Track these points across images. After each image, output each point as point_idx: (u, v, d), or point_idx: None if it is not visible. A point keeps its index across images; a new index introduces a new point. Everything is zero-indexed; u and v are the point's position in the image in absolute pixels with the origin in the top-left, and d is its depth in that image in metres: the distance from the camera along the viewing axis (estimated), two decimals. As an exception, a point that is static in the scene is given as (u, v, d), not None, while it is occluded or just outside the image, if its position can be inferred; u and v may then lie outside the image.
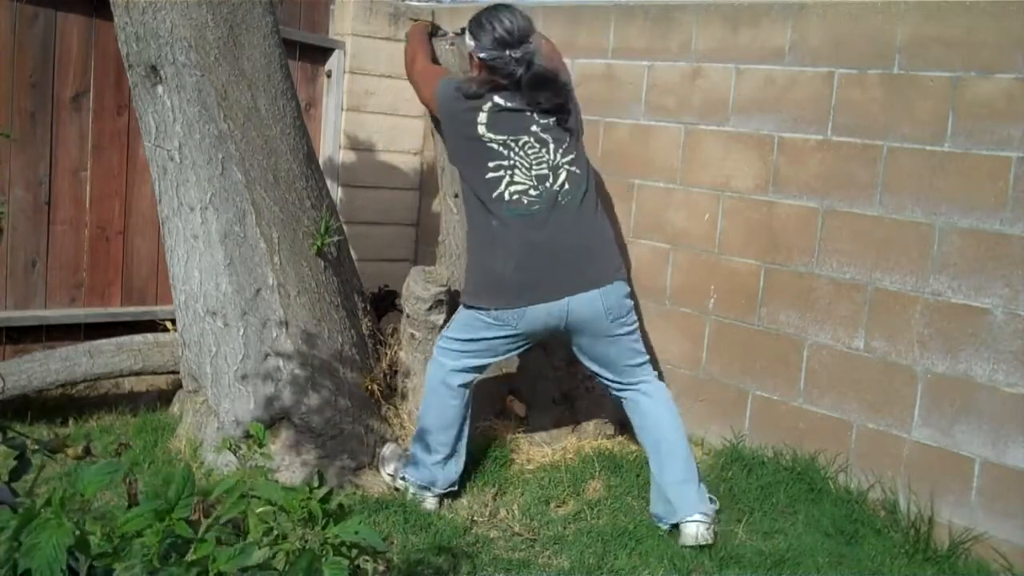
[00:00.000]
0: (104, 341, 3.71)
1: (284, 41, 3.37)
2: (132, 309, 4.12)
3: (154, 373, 3.83)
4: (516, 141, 3.07)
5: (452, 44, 3.46)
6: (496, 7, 3.19)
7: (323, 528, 1.41)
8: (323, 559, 1.30)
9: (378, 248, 4.90)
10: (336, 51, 4.67)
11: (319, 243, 3.34)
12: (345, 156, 4.78)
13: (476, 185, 3.11)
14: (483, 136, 3.07)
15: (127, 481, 1.53)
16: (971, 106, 3.17)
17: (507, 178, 3.05)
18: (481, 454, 3.50)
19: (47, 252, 3.91)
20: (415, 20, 3.73)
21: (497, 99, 3.09)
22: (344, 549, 1.43)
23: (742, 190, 3.78)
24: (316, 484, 1.48)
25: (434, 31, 3.57)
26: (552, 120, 3.12)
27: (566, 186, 3.07)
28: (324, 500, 1.43)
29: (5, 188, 3.75)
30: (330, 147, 4.71)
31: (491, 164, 3.06)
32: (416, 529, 3.01)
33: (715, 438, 3.87)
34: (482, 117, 3.08)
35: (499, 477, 3.42)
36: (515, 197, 3.04)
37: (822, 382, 3.57)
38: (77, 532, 1.22)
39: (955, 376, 3.21)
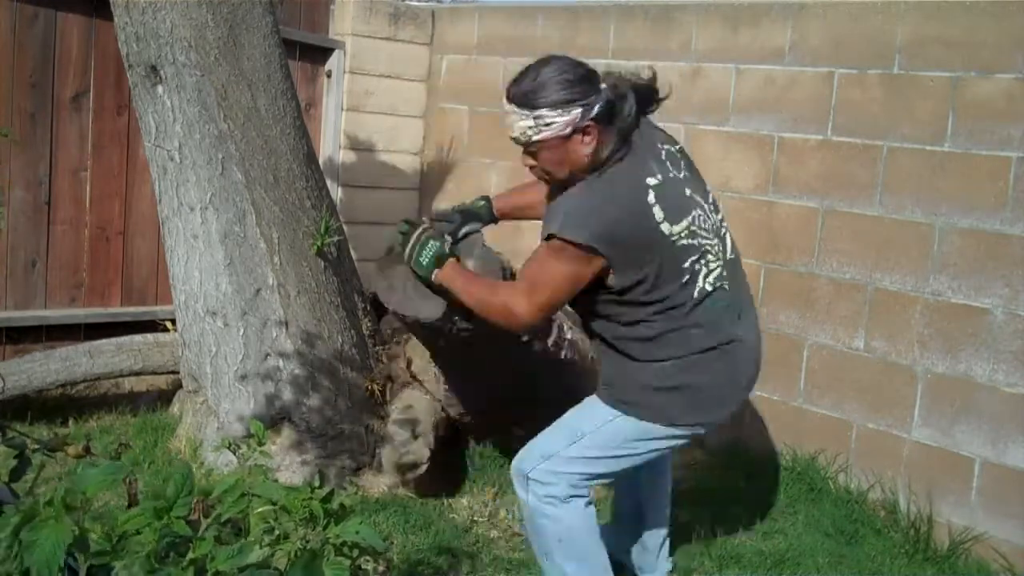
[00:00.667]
0: (104, 341, 3.72)
1: (284, 41, 3.37)
2: (132, 309, 4.13)
3: (154, 373, 3.84)
4: (693, 221, 2.33)
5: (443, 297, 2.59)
6: (540, 66, 2.28)
7: (324, 528, 1.41)
8: (324, 559, 1.31)
9: (378, 248, 4.88)
10: (336, 51, 4.67)
11: (319, 243, 3.34)
12: (345, 156, 4.78)
13: (664, 296, 2.32)
14: (670, 235, 2.28)
15: (127, 481, 1.52)
16: (971, 106, 3.17)
17: (703, 270, 2.35)
18: (481, 455, 3.50)
19: (47, 252, 3.91)
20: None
21: (648, 180, 2.28)
22: (345, 549, 1.44)
23: (742, 190, 3.78)
24: (317, 484, 1.48)
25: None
26: (688, 167, 2.43)
27: (730, 248, 2.46)
28: (326, 500, 1.43)
29: (5, 188, 3.75)
30: (330, 147, 4.71)
31: (684, 265, 2.31)
32: (416, 529, 3.01)
33: (715, 438, 3.86)
34: (657, 212, 2.27)
35: (499, 477, 3.42)
36: (716, 284, 2.36)
37: (822, 382, 3.57)
38: (76, 531, 1.23)
39: (955, 376, 3.21)
